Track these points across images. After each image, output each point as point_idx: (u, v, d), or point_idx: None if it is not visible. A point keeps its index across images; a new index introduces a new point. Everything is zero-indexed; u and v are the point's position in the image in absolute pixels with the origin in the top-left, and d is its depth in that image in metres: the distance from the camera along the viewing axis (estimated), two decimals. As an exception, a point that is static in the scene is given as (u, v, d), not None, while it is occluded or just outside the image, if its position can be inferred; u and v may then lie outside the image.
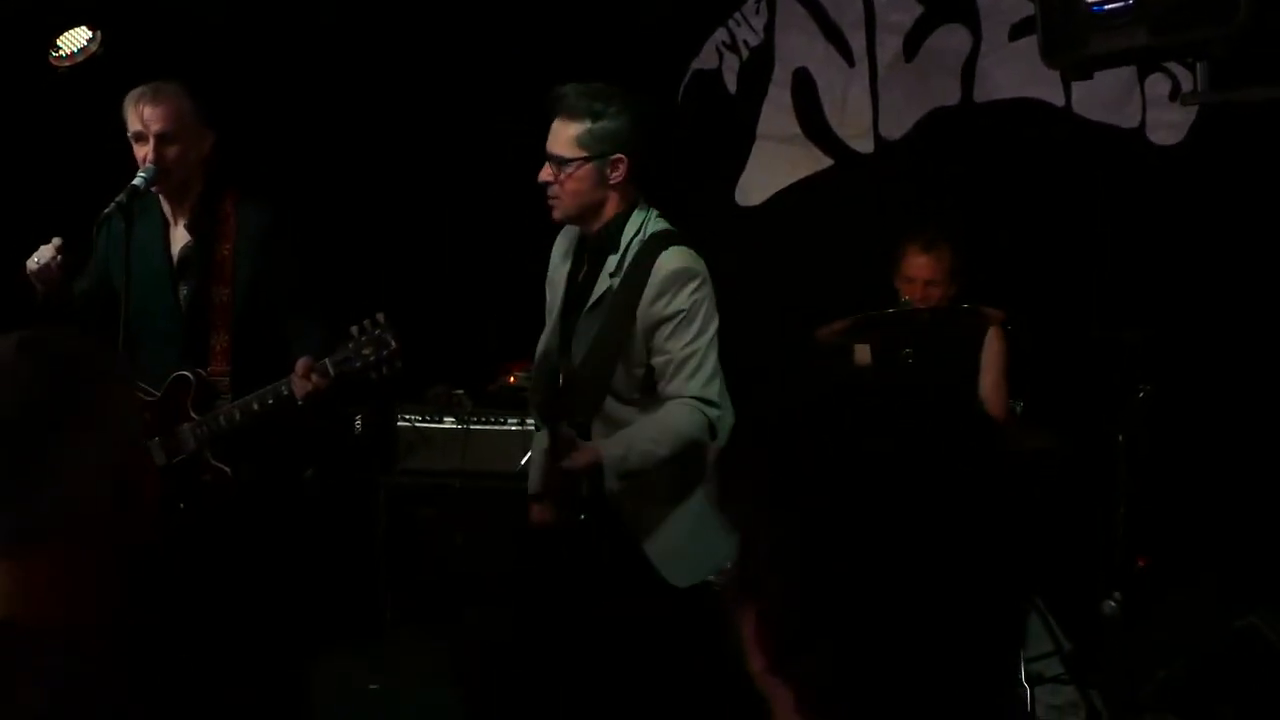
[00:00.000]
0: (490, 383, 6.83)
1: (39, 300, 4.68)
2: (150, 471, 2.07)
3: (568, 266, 4.50)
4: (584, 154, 4.22)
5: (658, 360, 4.22)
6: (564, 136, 4.24)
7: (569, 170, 4.23)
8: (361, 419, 6.85)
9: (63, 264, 4.67)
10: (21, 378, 1.93)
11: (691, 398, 4.18)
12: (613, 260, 4.31)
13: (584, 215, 4.33)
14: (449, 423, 6.70)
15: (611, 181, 4.26)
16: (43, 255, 4.65)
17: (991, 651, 1.32)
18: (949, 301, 5.60)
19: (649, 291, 4.21)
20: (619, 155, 4.23)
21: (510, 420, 6.58)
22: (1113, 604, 5.40)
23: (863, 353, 5.83)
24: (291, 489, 4.94)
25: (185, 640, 2.01)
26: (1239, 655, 4.91)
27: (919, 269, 5.63)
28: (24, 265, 4.71)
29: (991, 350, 5.72)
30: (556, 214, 4.34)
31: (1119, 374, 5.51)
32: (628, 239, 4.30)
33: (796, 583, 1.29)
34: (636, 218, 4.33)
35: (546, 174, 4.28)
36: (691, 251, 4.30)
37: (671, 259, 4.24)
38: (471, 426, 6.61)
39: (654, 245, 4.27)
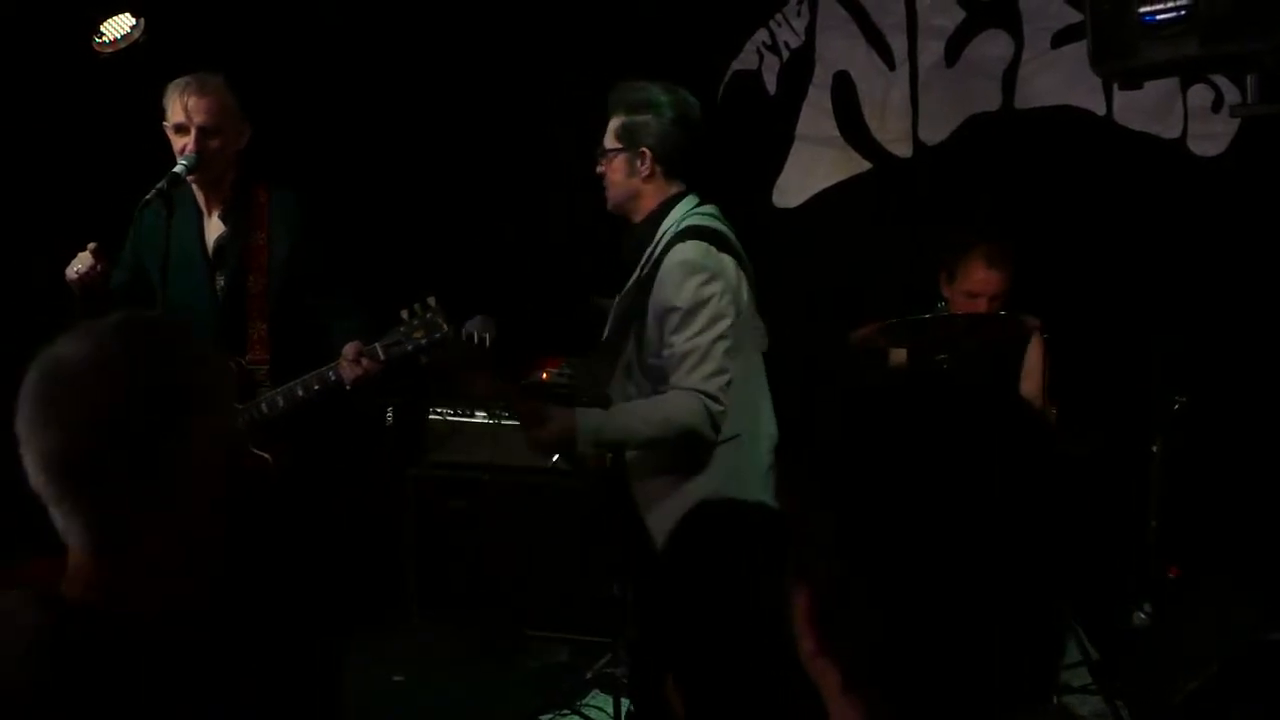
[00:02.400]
0: (523, 378, 6.83)
1: (79, 303, 4.68)
2: (247, 456, 2.07)
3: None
4: (619, 145, 4.43)
5: (665, 353, 4.26)
6: (608, 130, 4.48)
7: (607, 160, 4.46)
8: (393, 411, 6.87)
9: (103, 270, 4.70)
10: (126, 365, 1.89)
11: (692, 389, 4.20)
12: (647, 252, 4.42)
13: (625, 205, 4.49)
14: (480, 416, 6.72)
15: (641, 174, 4.41)
16: (82, 263, 4.67)
17: (1029, 644, 1.34)
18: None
19: (657, 280, 4.29)
20: (644, 149, 4.39)
21: (542, 416, 6.58)
22: (1143, 614, 5.39)
23: (898, 356, 5.82)
24: (328, 478, 4.95)
25: (252, 626, 2.01)
26: (1269, 668, 4.90)
27: (985, 284, 5.55)
28: (61, 259, 4.73)
29: (1034, 359, 5.70)
30: (607, 204, 4.53)
31: (1155, 383, 5.50)
32: (663, 232, 4.39)
33: (842, 568, 1.33)
34: (678, 211, 4.41)
35: (601, 166, 4.49)
36: (707, 246, 4.32)
37: (681, 251, 4.28)
38: (502, 421, 6.62)
39: (679, 238, 4.32)
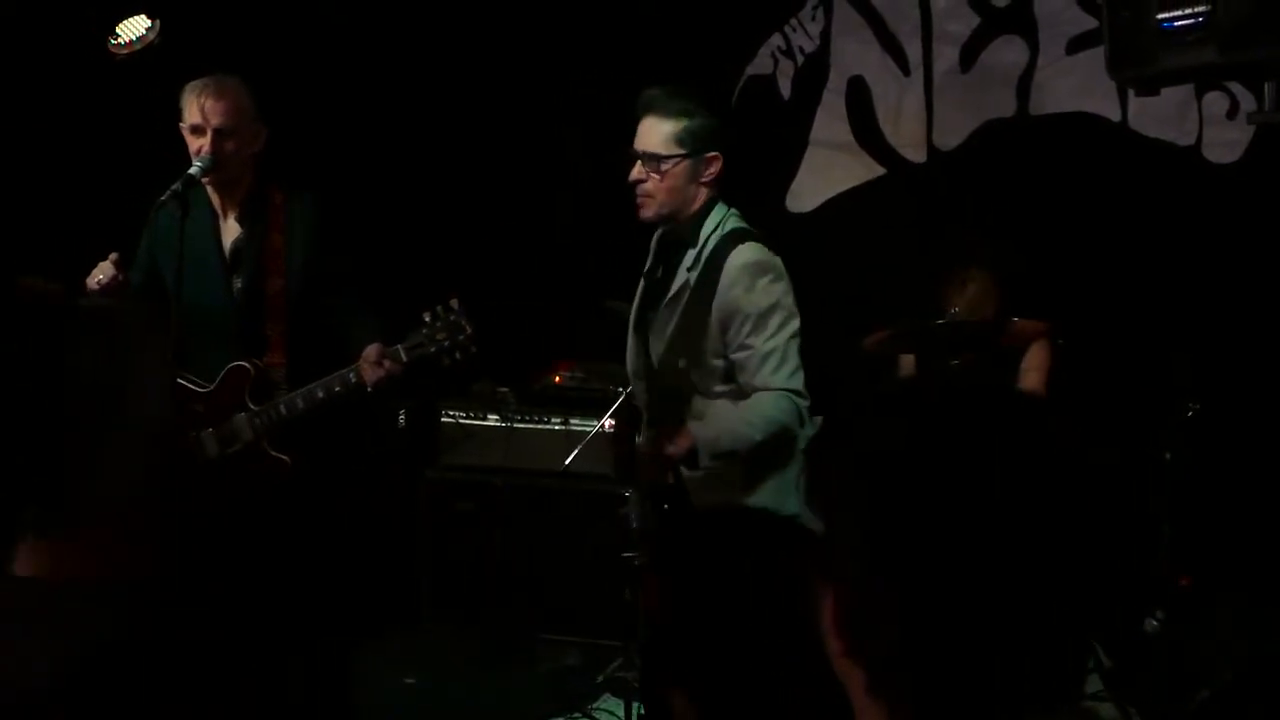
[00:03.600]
0: (535, 381, 6.84)
1: None
2: (184, 445, 2.12)
3: (650, 257, 4.59)
4: (681, 151, 4.33)
5: (739, 355, 4.27)
6: (659, 134, 4.35)
7: (666, 167, 4.33)
8: (405, 413, 6.87)
9: (124, 281, 4.69)
10: (67, 361, 1.93)
11: (781, 389, 4.23)
12: (690, 255, 4.38)
13: (675, 212, 4.41)
14: (492, 420, 6.72)
15: (704, 178, 4.37)
16: (104, 273, 4.66)
17: (1051, 647, 1.35)
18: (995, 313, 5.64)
19: (723, 282, 4.27)
20: (714, 153, 4.36)
21: (553, 419, 6.59)
22: (1154, 622, 5.39)
23: (907, 362, 5.83)
24: (342, 479, 4.95)
25: (229, 620, 2.04)
26: (1281, 678, 4.90)
27: (954, 301, 5.69)
28: (72, 264, 4.74)
29: (1034, 357, 5.70)
30: (648, 213, 4.41)
31: (1168, 392, 5.49)
32: (706, 234, 4.37)
33: (869, 569, 1.34)
34: (716, 214, 4.40)
35: (638, 173, 4.36)
36: (765, 247, 4.35)
37: (745, 253, 4.29)
38: (515, 424, 6.62)
39: (730, 240, 4.32)
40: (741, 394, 4.32)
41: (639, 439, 4.68)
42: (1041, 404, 5.33)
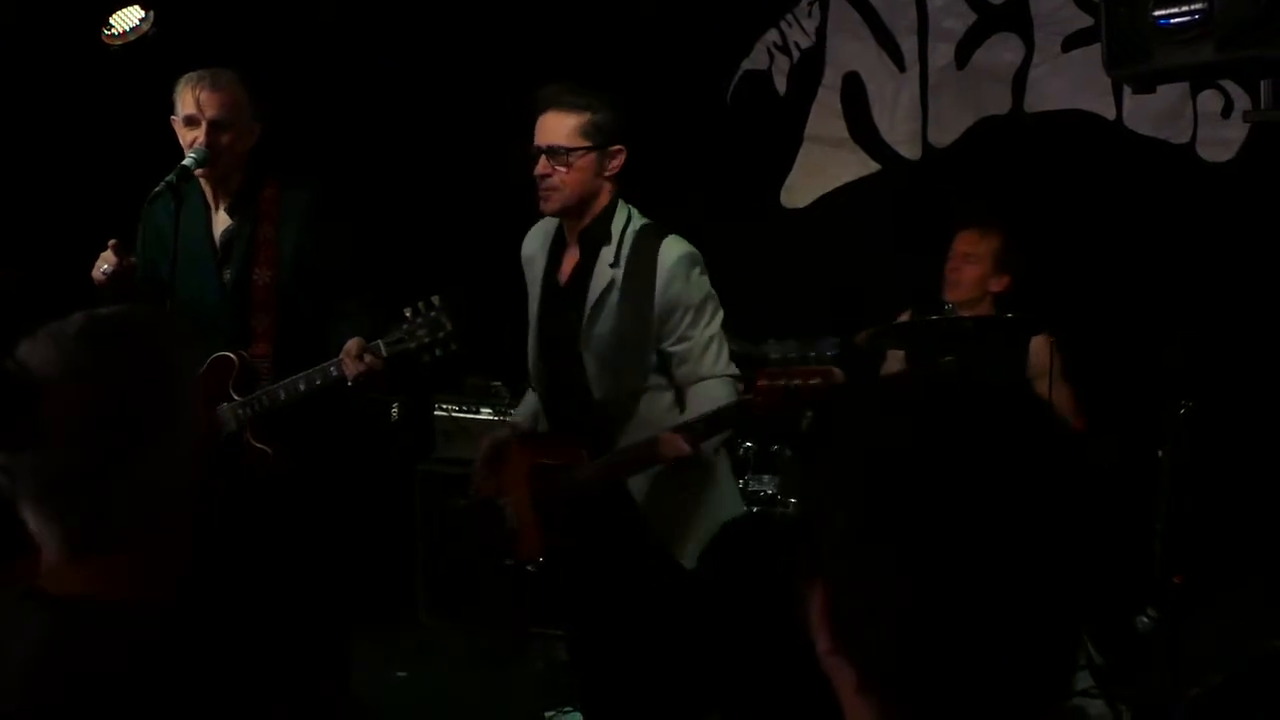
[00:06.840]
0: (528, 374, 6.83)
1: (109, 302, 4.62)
2: (215, 454, 2.06)
3: (544, 261, 4.61)
4: (587, 144, 4.35)
5: (680, 347, 4.37)
6: (565, 128, 4.36)
7: (572, 160, 4.34)
8: (398, 407, 6.86)
9: (131, 265, 4.67)
10: (97, 372, 1.86)
11: (723, 375, 4.38)
12: (608, 252, 4.40)
13: (579, 206, 4.42)
14: (486, 413, 6.71)
15: (608, 172, 4.39)
16: (108, 262, 4.62)
17: (1046, 645, 1.34)
18: (991, 295, 5.68)
19: (661, 277, 4.33)
20: (618, 146, 4.39)
21: (547, 413, 6.58)
22: (1147, 619, 5.39)
23: (895, 358, 5.83)
24: (333, 473, 4.94)
25: (240, 618, 2.02)
26: (1274, 675, 4.90)
27: (961, 243, 5.71)
28: (72, 251, 4.73)
29: (1040, 359, 5.69)
30: (552, 206, 4.42)
31: (1162, 389, 5.49)
32: (619, 230, 4.40)
33: (861, 564, 1.32)
34: (622, 210, 4.44)
35: (543, 167, 4.36)
36: (684, 239, 4.42)
37: (676, 245, 4.36)
38: (508, 418, 6.61)
39: (650, 234, 4.39)
40: (670, 386, 4.43)
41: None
42: (1042, 399, 5.31)
